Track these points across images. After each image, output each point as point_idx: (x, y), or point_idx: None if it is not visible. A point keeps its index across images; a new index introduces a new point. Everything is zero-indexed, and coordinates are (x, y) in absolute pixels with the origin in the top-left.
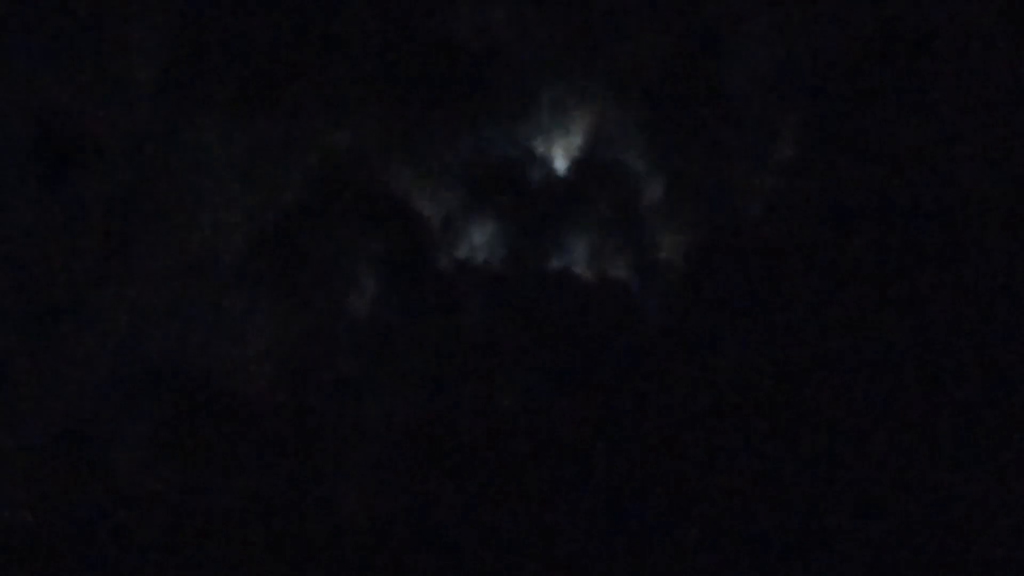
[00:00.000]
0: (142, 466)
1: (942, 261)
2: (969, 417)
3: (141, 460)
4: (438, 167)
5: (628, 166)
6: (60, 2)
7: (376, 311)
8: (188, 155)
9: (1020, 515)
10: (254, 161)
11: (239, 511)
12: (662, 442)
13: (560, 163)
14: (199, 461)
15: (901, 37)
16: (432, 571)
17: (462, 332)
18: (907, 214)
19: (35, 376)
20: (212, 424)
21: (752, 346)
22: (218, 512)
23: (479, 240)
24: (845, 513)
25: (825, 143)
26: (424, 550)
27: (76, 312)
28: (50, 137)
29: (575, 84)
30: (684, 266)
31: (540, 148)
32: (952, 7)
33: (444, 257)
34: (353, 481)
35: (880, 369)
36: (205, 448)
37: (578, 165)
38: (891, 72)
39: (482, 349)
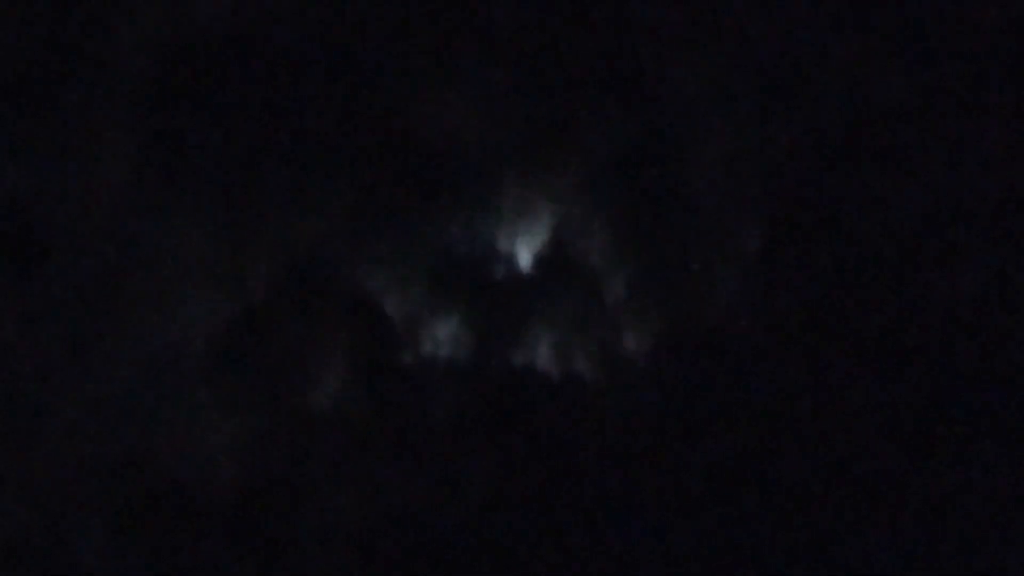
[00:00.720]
0: (105, 562)
1: (907, 353)
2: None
3: (104, 555)
4: (402, 263)
5: (591, 262)
6: (29, 98)
7: (340, 407)
8: (153, 251)
9: None
10: (218, 257)
11: None
12: (627, 537)
13: (524, 259)
14: (162, 557)
15: (863, 129)
16: None
17: (426, 428)
18: (872, 306)
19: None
20: (175, 520)
21: (718, 442)
22: None
23: (443, 336)
24: None
25: (787, 236)
26: None
27: (40, 408)
28: (15, 232)
29: (538, 180)
30: (648, 362)
31: (504, 244)
32: (910, 95)
33: (408, 353)
34: None
35: (848, 465)
36: (168, 544)
37: (542, 261)
38: (854, 162)
39: (447, 445)
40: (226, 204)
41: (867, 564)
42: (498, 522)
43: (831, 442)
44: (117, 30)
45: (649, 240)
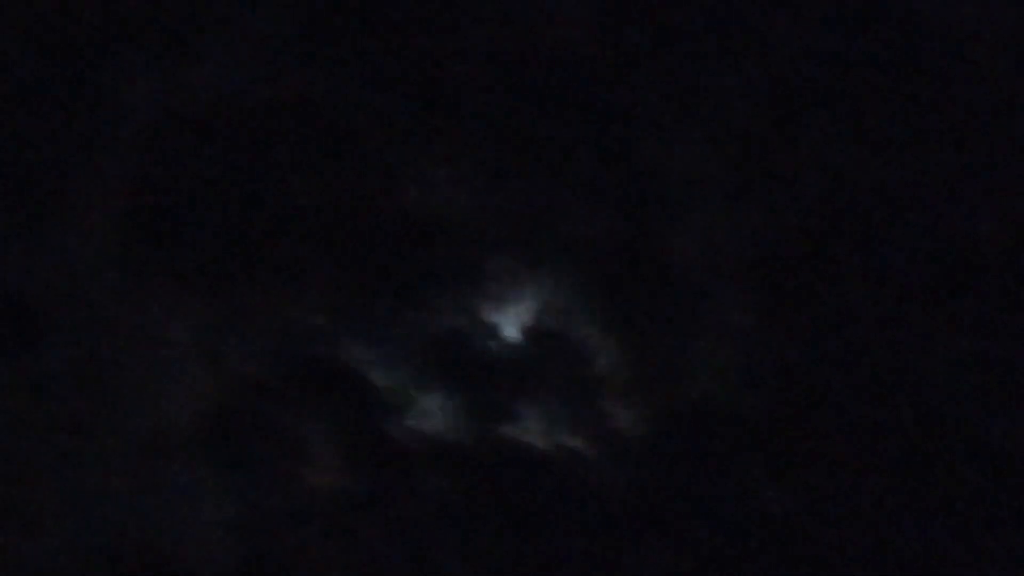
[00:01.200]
0: None
1: (896, 425)
2: None
3: None
4: (390, 337)
5: (580, 335)
6: (12, 176)
7: (331, 482)
8: (142, 331)
9: None
10: (208, 336)
11: None
12: None
13: (511, 331)
14: None
15: (844, 205)
16: None
17: (416, 504)
18: (864, 378)
19: None
20: None
21: (714, 518)
22: None
23: (432, 411)
24: None
25: (777, 310)
26: None
27: (31, 493)
28: (14, 315)
29: (525, 253)
30: (640, 436)
31: (491, 317)
32: (894, 168)
33: (398, 430)
34: None
35: (839, 533)
36: None
37: (530, 333)
38: (841, 235)
39: (436, 519)
40: (213, 283)
41: None
42: None
43: (823, 515)
44: (102, 112)
45: (637, 314)
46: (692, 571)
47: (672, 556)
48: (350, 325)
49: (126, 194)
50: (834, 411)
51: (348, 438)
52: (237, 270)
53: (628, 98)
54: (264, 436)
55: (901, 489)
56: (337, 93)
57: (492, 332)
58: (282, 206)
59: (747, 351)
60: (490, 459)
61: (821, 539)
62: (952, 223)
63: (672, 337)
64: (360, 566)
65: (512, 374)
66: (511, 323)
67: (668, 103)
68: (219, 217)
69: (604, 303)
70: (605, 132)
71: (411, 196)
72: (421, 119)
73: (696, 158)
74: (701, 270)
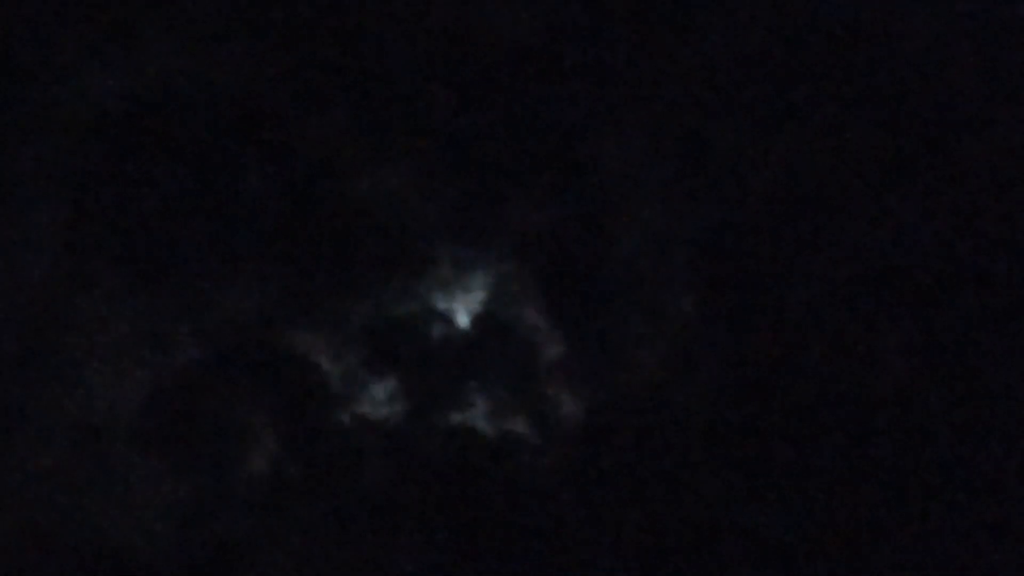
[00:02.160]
0: None
1: (845, 417)
2: None
3: None
4: (339, 323)
5: (528, 322)
6: None
7: (276, 468)
8: (86, 316)
9: None
10: (150, 321)
11: None
12: None
13: (461, 319)
14: None
15: (788, 193)
16: None
17: (363, 488)
18: (802, 365)
19: None
20: None
21: (654, 504)
22: None
23: (380, 395)
24: None
25: (717, 298)
26: None
27: None
28: None
29: (475, 243)
30: (584, 422)
31: (441, 304)
32: (835, 159)
33: (344, 413)
34: None
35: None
36: None
37: (479, 321)
38: (780, 225)
39: (382, 505)
40: (157, 270)
41: None
42: None
43: (762, 504)
44: (46, 103)
45: (581, 302)
46: (633, 554)
47: (614, 539)
48: (298, 312)
49: (70, 182)
50: (773, 396)
51: (293, 424)
52: (181, 257)
53: (572, 91)
54: (207, 422)
55: (836, 469)
56: (283, 84)
57: (441, 319)
58: (228, 195)
59: (687, 338)
60: (436, 445)
61: (760, 521)
62: (895, 216)
63: (615, 325)
64: (302, 552)
65: (460, 361)
66: (460, 311)
67: (611, 95)
68: (163, 206)
69: (550, 291)
70: (550, 124)
71: (360, 185)
72: (368, 112)
73: (638, 149)
74: (643, 259)
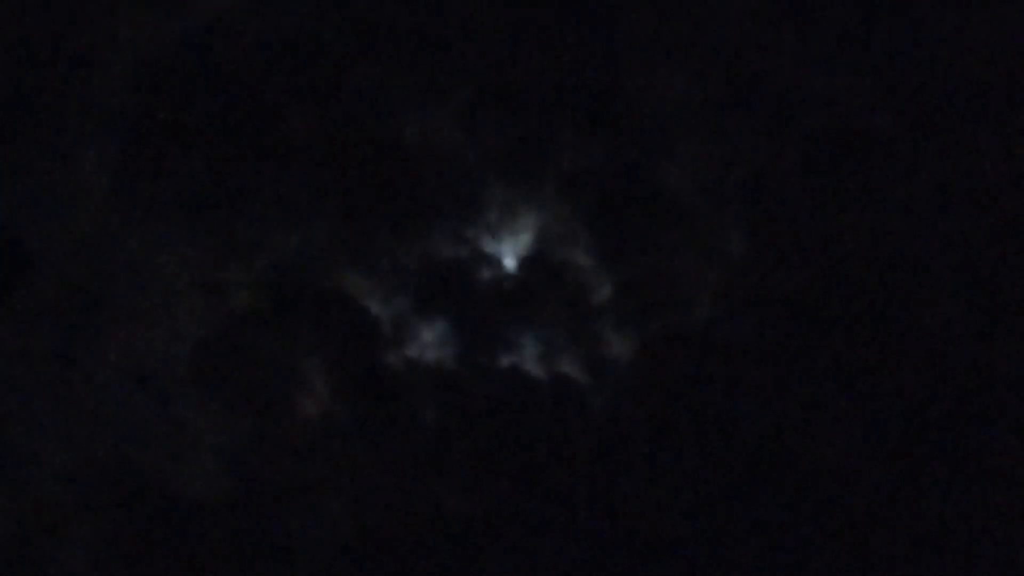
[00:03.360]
0: (96, 566)
1: (895, 351)
2: None
3: (95, 560)
4: (388, 268)
5: (576, 264)
6: (7, 118)
7: (328, 412)
8: (136, 261)
9: None
10: (202, 266)
11: None
12: (613, 539)
13: (509, 262)
14: (150, 564)
15: (843, 137)
16: None
17: (414, 431)
18: (857, 307)
19: None
20: (164, 526)
21: (704, 445)
22: None
23: (429, 339)
24: None
25: (770, 239)
26: None
27: (27, 416)
28: (3, 248)
29: (522, 185)
30: (634, 363)
31: (489, 248)
32: (892, 111)
33: (395, 357)
34: None
35: (831, 472)
36: (156, 551)
37: (527, 264)
38: (834, 168)
39: (434, 448)
40: (208, 213)
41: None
42: (484, 525)
43: (816, 449)
44: (94, 47)
45: (632, 243)
46: (683, 499)
47: (665, 483)
48: (347, 256)
49: (118, 127)
50: (825, 336)
51: (343, 368)
52: (231, 201)
53: (615, 29)
54: (258, 366)
55: (888, 419)
56: (331, 30)
57: (489, 262)
58: (277, 140)
59: (738, 278)
60: (486, 387)
61: (808, 462)
62: (949, 164)
63: (664, 265)
64: (353, 495)
65: (509, 303)
66: (508, 253)
67: (654, 32)
68: (212, 151)
69: (598, 232)
70: (594, 64)
71: (407, 129)
72: (415, 55)
73: (684, 85)
74: (692, 197)
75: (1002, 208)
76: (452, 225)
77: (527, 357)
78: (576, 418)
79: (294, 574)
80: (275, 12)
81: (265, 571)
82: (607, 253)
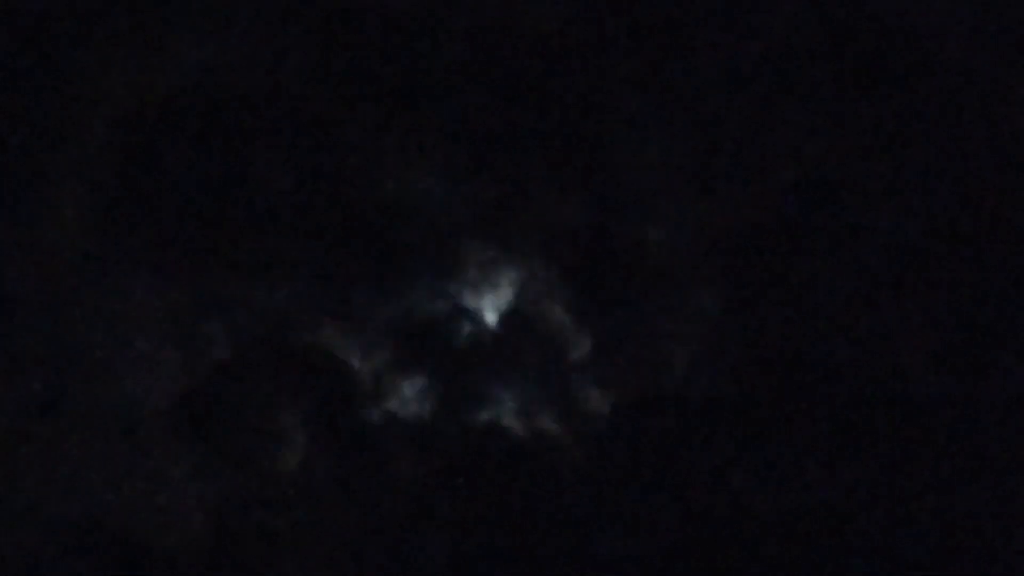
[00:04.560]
0: None
1: (870, 405)
2: None
3: None
4: (368, 322)
5: (556, 321)
6: None
7: (307, 465)
8: (117, 313)
9: None
10: (183, 318)
11: None
12: None
13: (489, 317)
14: None
15: (814, 192)
16: None
17: (392, 485)
18: (832, 364)
19: None
20: None
21: (681, 501)
22: None
23: (409, 393)
24: None
25: (746, 296)
26: None
27: (7, 466)
28: None
29: (502, 241)
30: (612, 419)
31: (469, 303)
32: (863, 159)
33: (375, 411)
34: None
35: (808, 530)
36: None
37: (506, 319)
38: (807, 223)
39: (411, 502)
40: (189, 267)
41: None
42: None
43: (792, 499)
44: (77, 100)
45: (611, 301)
46: (662, 554)
47: (644, 538)
48: (328, 311)
49: (101, 179)
50: (804, 395)
51: (323, 422)
52: (212, 255)
53: (599, 90)
54: (238, 419)
55: (871, 474)
56: (312, 84)
57: (470, 317)
58: (259, 193)
59: (716, 336)
60: (465, 442)
61: (790, 524)
62: (921, 216)
63: (643, 322)
64: (332, 549)
65: (488, 359)
66: (488, 309)
67: (638, 94)
68: (194, 203)
69: (578, 289)
70: (577, 123)
71: (388, 185)
72: (396, 111)
73: (665, 147)
74: (671, 257)
75: (975, 258)
76: (432, 281)
77: (506, 412)
78: (554, 473)
79: None
80: (258, 70)
81: None
82: (586, 310)
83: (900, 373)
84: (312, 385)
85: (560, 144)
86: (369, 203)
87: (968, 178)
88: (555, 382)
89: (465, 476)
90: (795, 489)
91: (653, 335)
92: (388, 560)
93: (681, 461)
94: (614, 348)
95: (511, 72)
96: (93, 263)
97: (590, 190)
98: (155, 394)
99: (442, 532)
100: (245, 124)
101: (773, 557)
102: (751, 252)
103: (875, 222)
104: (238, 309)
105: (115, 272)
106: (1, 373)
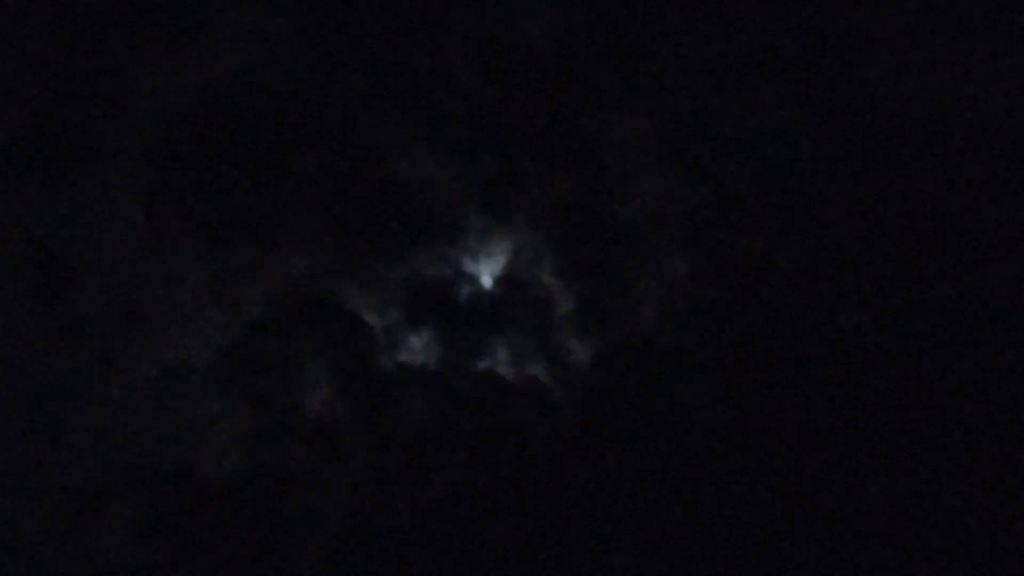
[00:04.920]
0: (132, 538)
1: (817, 360)
2: None
3: (131, 533)
4: (382, 284)
5: (543, 282)
6: (60, 156)
7: (329, 408)
8: (168, 279)
9: None
10: (223, 283)
11: None
12: (572, 515)
13: (486, 280)
14: (178, 534)
15: (765, 176)
16: None
17: (402, 427)
18: (777, 316)
19: (37, 465)
20: (190, 504)
21: (652, 433)
22: None
23: (417, 346)
24: None
25: (709, 258)
26: None
27: (72, 411)
28: (50, 264)
29: (497, 215)
30: (591, 365)
31: (469, 268)
32: (806, 146)
33: (387, 361)
34: (309, 558)
35: (765, 456)
36: (184, 524)
37: (501, 282)
38: (759, 199)
39: (420, 442)
40: (227, 238)
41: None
42: (464, 502)
43: (748, 437)
44: (131, 92)
45: (590, 265)
46: (633, 480)
47: (618, 465)
48: (347, 275)
49: (155, 163)
50: (756, 342)
51: (343, 370)
52: (249, 229)
53: (581, 83)
54: (270, 367)
55: (810, 410)
56: (334, 81)
57: (469, 280)
58: (288, 176)
59: (681, 295)
60: (465, 387)
61: (743, 443)
62: (875, 192)
63: (619, 284)
64: (351, 476)
65: (485, 315)
66: (485, 273)
67: (614, 86)
68: (234, 184)
69: (562, 255)
70: (563, 114)
71: (399, 168)
72: (407, 104)
73: (640, 136)
74: (643, 228)
75: (906, 227)
76: (437, 248)
77: (500, 361)
78: (541, 411)
79: (301, 543)
80: (285, 67)
81: (277, 540)
82: (569, 273)
83: (835, 320)
84: (334, 338)
85: (548, 132)
86: (383, 183)
87: (908, 161)
88: (542, 335)
89: (465, 415)
90: (746, 417)
91: (627, 294)
92: (399, 484)
93: (651, 400)
94: (593, 306)
95: (503, 68)
96: (144, 234)
97: (574, 171)
98: (200, 346)
99: (443, 462)
100: (276, 117)
101: (728, 472)
102: (711, 225)
103: (820, 201)
104: (271, 274)
105: (167, 244)
106: (71, 329)
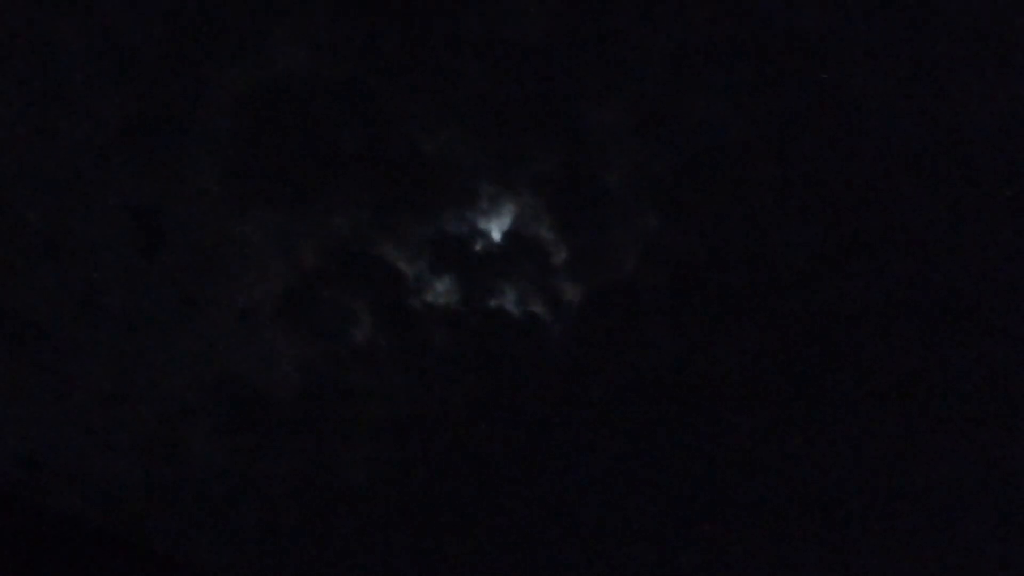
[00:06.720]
0: (212, 446)
1: (784, 309)
2: None
3: (212, 442)
4: (412, 240)
5: (542, 237)
6: (152, 135)
7: (371, 339)
8: (239, 236)
9: None
10: (284, 239)
11: (280, 477)
12: (564, 426)
13: (495, 235)
14: (249, 442)
15: (727, 151)
16: (419, 530)
17: (430, 353)
18: (741, 265)
19: (138, 383)
20: (258, 416)
21: (631, 361)
22: (268, 479)
23: (441, 289)
24: None
25: (678, 217)
26: (412, 513)
27: (163, 341)
28: (147, 223)
29: (505, 182)
30: (582, 304)
31: (482, 225)
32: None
33: (417, 301)
34: (357, 457)
35: (747, 408)
36: (255, 432)
37: (508, 237)
38: (723, 172)
39: (444, 365)
40: (289, 200)
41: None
42: (479, 414)
43: (709, 373)
44: (206, 84)
45: (581, 223)
46: (617, 401)
47: (605, 387)
48: (383, 232)
49: (228, 141)
50: (722, 285)
51: (381, 309)
52: (304, 193)
53: (571, 72)
54: (322, 307)
55: (766, 351)
56: (372, 75)
57: (482, 236)
58: (335, 153)
59: (656, 246)
60: (480, 321)
61: (712, 375)
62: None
63: (604, 237)
64: (389, 394)
65: (495, 264)
66: (495, 229)
67: (599, 73)
68: (291, 156)
69: (557, 214)
70: (554, 97)
71: (426, 146)
72: (431, 93)
73: (620, 112)
74: (624, 191)
75: (854, 196)
76: (456, 210)
77: (508, 301)
78: (541, 342)
79: (348, 446)
80: (331, 64)
81: (329, 445)
82: (564, 230)
83: (787, 273)
84: (374, 284)
85: (544, 111)
86: (413, 159)
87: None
88: (542, 280)
89: (481, 343)
90: (714, 349)
91: (611, 245)
92: (426, 403)
93: (630, 333)
94: (583, 255)
95: (508, 61)
96: (224, 202)
97: (565, 143)
98: (266, 290)
99: (464, 382)
100: (326, 106)
101: (697, 400)
102: (682, 187)
103: (765, 167)
104: (322, 232)
105: (239, 208)
106: (160, 277)
